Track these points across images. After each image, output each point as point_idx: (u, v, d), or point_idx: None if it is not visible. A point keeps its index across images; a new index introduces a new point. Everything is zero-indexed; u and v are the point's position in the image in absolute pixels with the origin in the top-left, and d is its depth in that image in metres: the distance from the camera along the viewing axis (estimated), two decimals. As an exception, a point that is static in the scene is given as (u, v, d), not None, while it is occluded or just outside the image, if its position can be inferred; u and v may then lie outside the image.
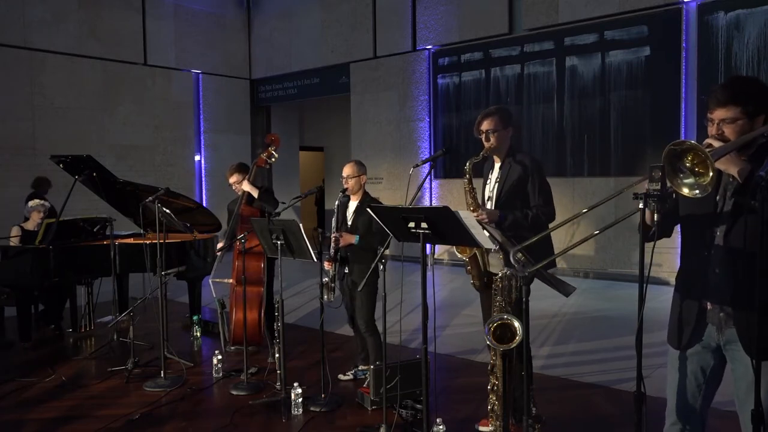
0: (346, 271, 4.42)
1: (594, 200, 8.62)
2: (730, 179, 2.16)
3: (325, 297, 4.31)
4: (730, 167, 2.09)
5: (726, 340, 2.22)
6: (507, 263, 3.32)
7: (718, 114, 2.16)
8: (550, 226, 3.24)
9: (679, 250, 2.37)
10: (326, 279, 4.34)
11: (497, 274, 3.16)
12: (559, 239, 8.89)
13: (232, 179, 5.29)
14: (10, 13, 9.77)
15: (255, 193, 5.14)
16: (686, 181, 1.98)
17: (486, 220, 3.38)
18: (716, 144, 2.12)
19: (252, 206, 5.23)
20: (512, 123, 3.64)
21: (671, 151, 1.96)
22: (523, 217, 3.47)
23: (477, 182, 3.68)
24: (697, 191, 1.96)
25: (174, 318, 6.27)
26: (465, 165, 3.57)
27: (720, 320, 2.21)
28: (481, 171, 3.79)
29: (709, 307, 2.25)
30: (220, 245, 5.34)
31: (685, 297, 2.32)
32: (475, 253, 3.58)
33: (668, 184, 1.99)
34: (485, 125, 3.55)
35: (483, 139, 3.57)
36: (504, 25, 9.49)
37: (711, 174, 1.91)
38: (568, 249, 2.55)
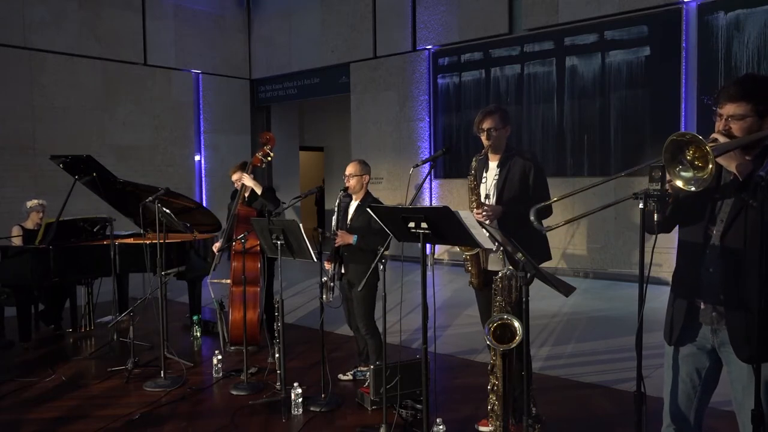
0: (343, 271, 4.42)
1: (594, 200, 8.61)
2: (730, 178, 2.14)
3: (324, 297, 4.30)
4: (731, 164, 2.07)
5: (720, 341, 2.21)
6: (512, 262, 3.32)
7: (728, 109, 2.13)
8: (547, 225, 3.24)
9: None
10: (325, 278, 4.33)
11: (496, 273, 3.17)
12: (558, 239, 8.93)
13: (235, 176, 5.27)
14: (10, 13, 9.77)
15: (258, 190, 5.09)
16: (684, 174, 1.96)
17: (490, 216, 3.39)
18: (722, 139, 2.09)
19: (250, 206, 5.20)
20: (509, 122, 3.72)
21: (674, 142, 1.95)
22: (525, 210, 3.50)
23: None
24: (693, 186, 1.95)
25: (174, 318, 6.27)
26: (471, 162, 3.61)
27: (713, 320, 2.20)
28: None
29: (702, 307, 2.24)
30: (217, 245, 5.32)
31: (679, 294, 2.32)
32: (477, 251, 3.59)
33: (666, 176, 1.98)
34: (487, 123, 3.60)
35: (484, 137, 3.61)
36: (504, 25, 9.48)
37: (710, 168, 1.89)
38: (572, 219, 2.53)
